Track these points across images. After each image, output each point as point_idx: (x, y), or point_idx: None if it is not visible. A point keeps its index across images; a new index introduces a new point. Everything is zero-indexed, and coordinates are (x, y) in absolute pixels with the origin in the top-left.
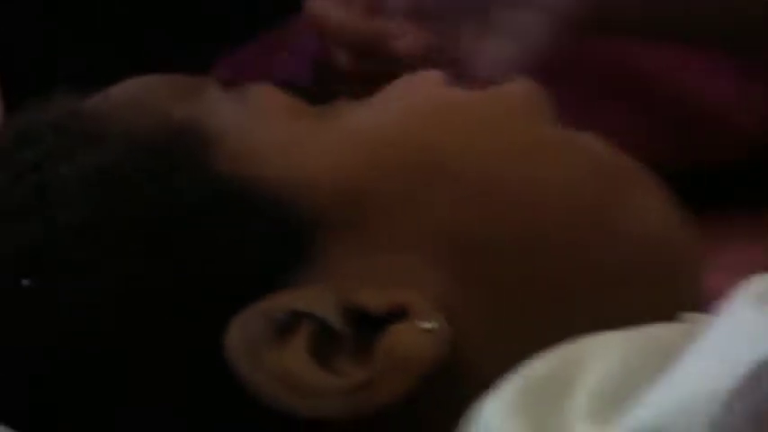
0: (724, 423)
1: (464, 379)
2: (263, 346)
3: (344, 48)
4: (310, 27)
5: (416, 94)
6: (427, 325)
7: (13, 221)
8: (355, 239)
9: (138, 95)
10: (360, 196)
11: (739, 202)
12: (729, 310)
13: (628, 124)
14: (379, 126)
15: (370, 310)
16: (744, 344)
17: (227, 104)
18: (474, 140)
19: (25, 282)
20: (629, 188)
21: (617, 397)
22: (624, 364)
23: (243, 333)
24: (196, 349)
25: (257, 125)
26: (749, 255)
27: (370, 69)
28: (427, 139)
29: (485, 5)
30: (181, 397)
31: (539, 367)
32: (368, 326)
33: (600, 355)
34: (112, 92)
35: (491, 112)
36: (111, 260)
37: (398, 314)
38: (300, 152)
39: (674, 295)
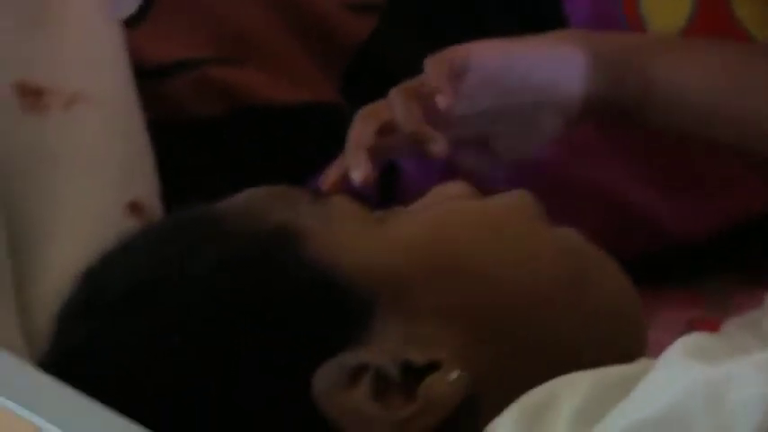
0: None
1: (479, 408)
2: (339, 389)
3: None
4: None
5: (443, 206)
6: (454, 376)
7: (164, 293)
8: (402, 312)
9: (250, 202)
10: (404, 282)
11: (673, 279)
12: (666, 357)
13: (590, 223)
14: (417, 232)
15: (414, 364)
16: (672, 382)
17: (314, 210)
18: (480, 241)
19: (174, 338)
20: (596, 267)
21: (589, 415)
22: (595, 392)
23: (325, 380)
24: (291, 389)
25: (335, 227)
26: (680, 318)
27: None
28: (448, 243)
29: (509, 111)
30: (279, 421)
31: (533, 396)
32: (412, 374)
33: (577, 386)
34: (232, 200)
35: (495, 219)
36: (231, 326)
37: (434, 367)
38: (364, 249)
39: (629, 344)
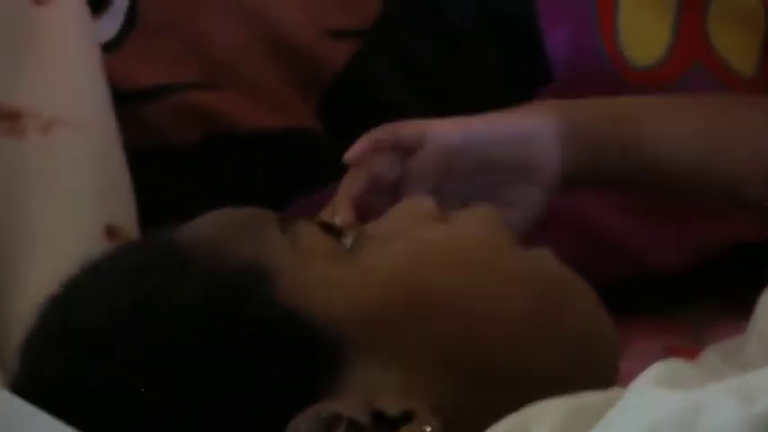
0: None
1: None
2: None
3: None
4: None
5: (412, 236)
6: (427, 428)
7: (130, 328)
8: (375, 354)
9: (216, 235)
10: (376, 323)
11: (647, 307)
12: (637, 384)
13: (564, 248)
14: (388, 268)
15: (387, 414)
16: (643, 409)
17: (283, 245)
18: (453, 274)
19: (138, 379)
20: (570, 288)
21: None
22: (566, 420)
23: (300, 430)
24: None
25: (305, 263)
26: (654, 347)
27: None
28: (419, 280)
29: (491, 184)
30: None
31: (504, 424)
32: (386, 423)
33: (549, 413)
34: (198, 229)
35: (466, 248)
36: (200, 373)
37: (407, 417)
38: (335, 289)
39: (604, 364)
